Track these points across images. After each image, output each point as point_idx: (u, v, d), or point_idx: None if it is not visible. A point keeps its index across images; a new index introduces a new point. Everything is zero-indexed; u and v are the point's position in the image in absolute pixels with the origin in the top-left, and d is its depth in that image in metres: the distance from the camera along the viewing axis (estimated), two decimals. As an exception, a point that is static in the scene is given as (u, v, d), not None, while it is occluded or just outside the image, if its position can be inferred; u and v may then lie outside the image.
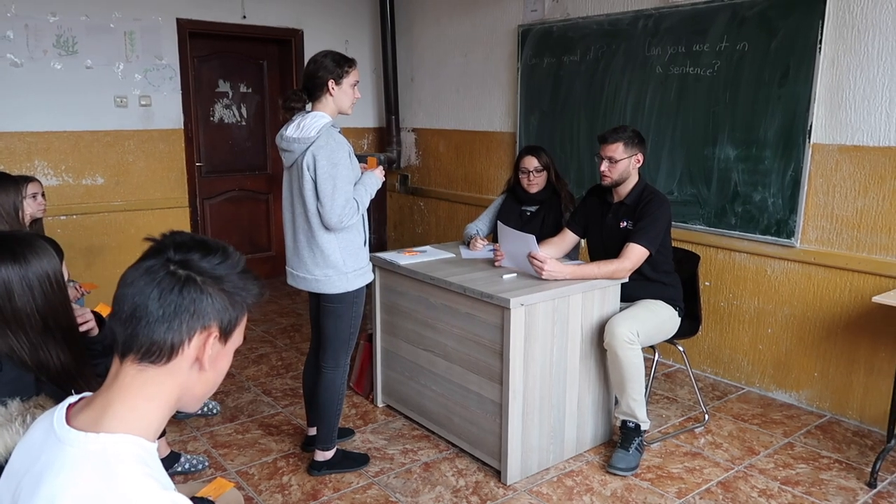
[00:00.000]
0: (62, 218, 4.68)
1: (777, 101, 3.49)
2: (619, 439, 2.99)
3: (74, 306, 1.61)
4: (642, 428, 2.96)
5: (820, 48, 3.31)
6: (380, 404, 3.53)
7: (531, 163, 3.49)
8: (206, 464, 2.94)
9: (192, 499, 1.58)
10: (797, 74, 3.40)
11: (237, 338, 1.07)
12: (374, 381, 3.53)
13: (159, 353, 0.97)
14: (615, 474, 2.87)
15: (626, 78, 4.17)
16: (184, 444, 3.14)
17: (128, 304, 0.97)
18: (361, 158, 2.78)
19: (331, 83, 2.63)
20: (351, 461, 2.93)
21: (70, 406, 1.03)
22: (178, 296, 0.97)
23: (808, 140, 3.40)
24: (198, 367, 1.02)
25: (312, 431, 3.01)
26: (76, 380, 1.45)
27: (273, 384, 3.84)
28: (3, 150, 4.48)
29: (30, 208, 3.14)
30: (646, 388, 3.00)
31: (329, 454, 2.87)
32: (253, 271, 1.07)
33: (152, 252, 1.00)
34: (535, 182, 3.50)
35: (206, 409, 3.41)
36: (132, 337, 0.97)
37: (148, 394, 0.99)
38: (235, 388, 3.77)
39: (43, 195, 3.30)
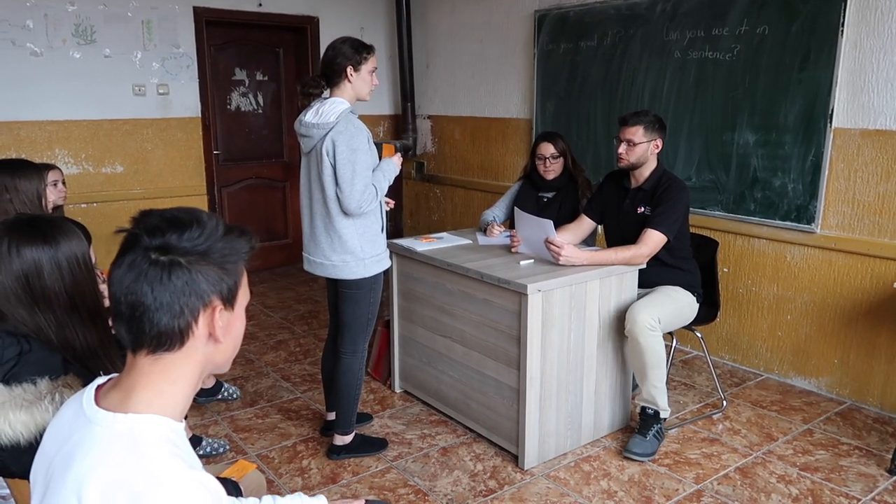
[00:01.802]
0: (83, 206, 4.73)
1: (798, 85, 3.45)
2: (638, 425, 2.99)
3: (103, 289, 1.63)
4: (662, 415, 2.96)
5: (842, 31, 3.25)
6: (397, 390, 3.56)
7: (547, 149, 3.47)
8: (227, 447, 2.98)
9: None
10: (818, 58, 3.35)
11: (243, 298, 1.06)
12: (392, 366, 3.56)
13: (170, 341, 0.97)
14: (631, 459, 2.87)
15: (644, 63, 4.14)
16: (205, 427, 3.18)
17: (124, 304, 0.95)
18: (378, 146, 2.78)
19: (349, 69, 2.63)
20: (369, 445, 2.95)
21: (99, 387, 1.05)
22: (168, 283, 0.94)
23: (829, 124, 3.35)
24: (213, 341, 1.01)
25: (331, 416, 3.04)
26: (101, 360, 1.48)
27: (292, 370, 3.87)
28: (25, 139, 4.54)
29: (51, 196, 3.17)
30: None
31: (348, 438, 2.90)
32: (236, 226, 1.03)
33: (128, 244, 0.97)
34: (552, 168, 3.49)
35: (226, 393, 3.45)
36: (139, 334, 0.96)
37: (170, 378, 0.99)
38: (255, 373, 3.81)
39: (64, 183, 3.34)
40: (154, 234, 0.96)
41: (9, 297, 1.42)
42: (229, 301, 1.01)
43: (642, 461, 2.87)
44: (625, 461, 2.89)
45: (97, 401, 1.00)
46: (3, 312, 1.44)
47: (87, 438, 0.95)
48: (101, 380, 1.07)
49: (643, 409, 2.98)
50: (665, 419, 3.00)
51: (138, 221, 0.99)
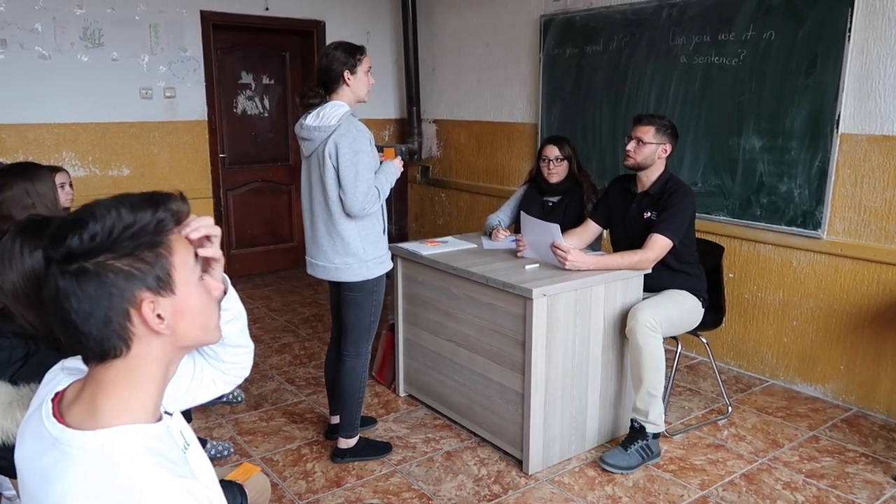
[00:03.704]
0: (89, 208, 4.74)
1: (804, 90, 3.44)
2: (625, 437, 2.92)
3: None
4: (648, 430, 2.85)
5: (849, 36, 3.25)
6: (402, 394, 3.55)
7: (552, 151, 3.48)
8: (232, 450, 2.98)
9: (221, 482, 1.60)
10: (825, 63, 3.35)
11: (186, 274, 0.95)
12: (397, 370, 3.55)
13: (114, 349, 0.92)
14: (605, 470, 2.78)
15: (650, 68, 4.14)
16: (209, 430, 3.18)
17: (57, 326, 0.92)
18: (378, 149, 2.79)
19: (346, 74, 2.64)
20: (373, 449, 2.95)
21: (59, 395, 0.99)
22: (83, 294, 0.88)
23: (835, 130, 3.34)
24: (160, 334, 0.93)
25: (335, 420, 3.04)
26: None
27: (296, 373, 3.88)
28: (33, 142, 4.56)
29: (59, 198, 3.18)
30: (668, 382, 2.96)
31: (352, 442, 2.90)
32: (148, 196, 0.96)
33: (44, 263, 0.92)
34: (555, 171, 3.49)
35: (230, 396, 3.46)
36: (82, 349, 0.92)
37: (130, 381, 0.94)
38: (259, 376, 3.82)
39: (71, 185, 3.34)
40: (55, 244, 0.90)
41: (18, 297, 1.42)
42: (163, 287, 0.92)
43: (616, 473, 2.79)
44: (629, 466, 2.88)
45: (61, 414, 0.95)
46: (12, 313, 1.44)
47: (60, 462, 0.90)
48: (58, 386, 1.01)
49: (631, 421, 2.89)
50: (653, 435, 2.88)
51: (45, 236, 0.92)
